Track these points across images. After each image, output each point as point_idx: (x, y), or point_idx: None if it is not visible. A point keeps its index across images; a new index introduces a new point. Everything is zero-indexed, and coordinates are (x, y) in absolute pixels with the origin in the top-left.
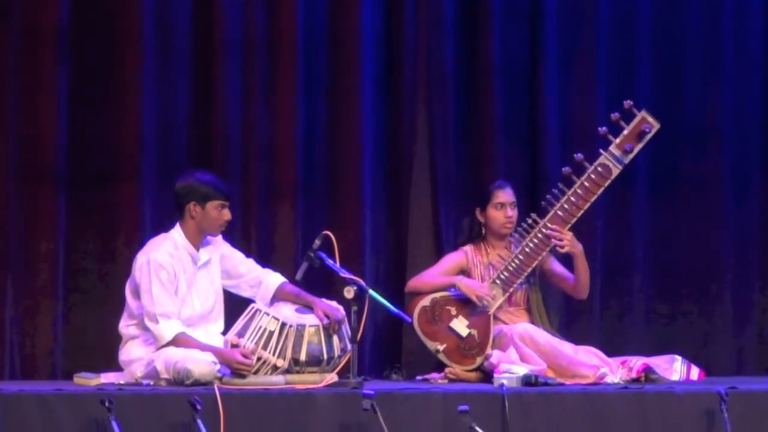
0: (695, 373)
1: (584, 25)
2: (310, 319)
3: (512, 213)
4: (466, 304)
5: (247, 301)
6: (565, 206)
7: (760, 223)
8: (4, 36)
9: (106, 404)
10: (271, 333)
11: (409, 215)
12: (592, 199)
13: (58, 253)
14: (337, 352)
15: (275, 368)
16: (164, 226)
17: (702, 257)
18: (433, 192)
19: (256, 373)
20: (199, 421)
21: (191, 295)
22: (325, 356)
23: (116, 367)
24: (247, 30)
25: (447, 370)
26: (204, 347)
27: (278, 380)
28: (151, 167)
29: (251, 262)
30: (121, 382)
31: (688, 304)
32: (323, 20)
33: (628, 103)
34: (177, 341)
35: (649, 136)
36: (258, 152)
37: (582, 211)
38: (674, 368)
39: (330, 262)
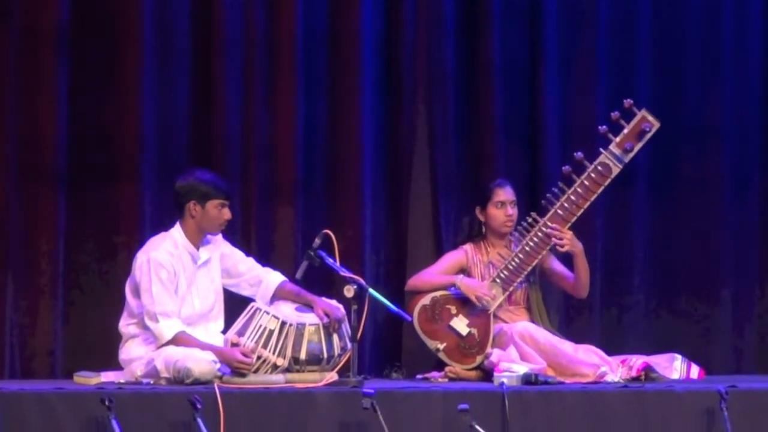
0: (695, 371)
1: (584, 25)
2: (310, 318)
3: (512, 211)
4: (466, 302)
5: (247, 300)
6: (566, 205)
7: (760, 223)
8: (4, 36)
9: (106, 403)
10: (271, 332)
11: (408, 214)
12: (592, 198)
13: (58, 253)
14: (337, 350)
15: (275, 367)
16: (164, 226)
17: (702, 257)
18: (433, 191)
19: (256, 371)
20: (199, 420)
21: (191, 294)
22: (325, 355)
23: (116, 366)
24: (247, 30)
25: (447, 368)
26: (204, 346)
27: (278, 379)
28: (151, 167)
29: (251, 260)
30: (121, 381)
31: (687, 304)
32: (323, 20)
33: (628, 102)
34: (177, 340)
35: (649, 135)
36: (258, 152)
37: (582, 210)
38: (674, 367)
39: (330, 261)
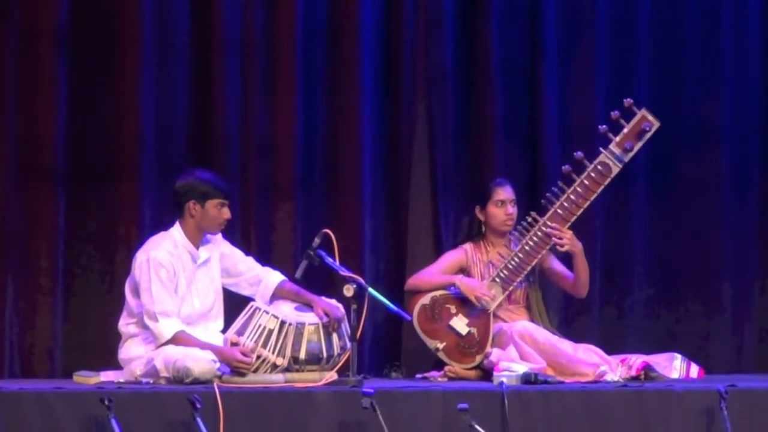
0: (695, 371)
1: (584, 25)
2: (309, 318)
3: (512, 210)
4: (465, 302)
5: (246, 300)
6: (565, 204)
7: (760, 223)
8: (4, 36)
9: (106, 403)
10: (271, 331)
11: (408, 214)
12: (592, 198)
13: (58, 253)
14: (336, 350)
15: (275, 366)
16: (164, 225)
17: (702, 257)
18: (433, 191)
19: (255, 371)
20: (199, 420)
21: (191, 294)
22: (325, 354)
23: (116, 365)
24: (246, 29)
25: (446, 368)
26: (203, 345)
27: (278, 378)
28: (150, 166)
29: (251, 260)
30: (121, 380)
31: (687, 303)
32: (323, 19)
33: (628, 102)
34: (176, 339)
35: (649, 135)
36: (257, 151)
37: (582, 210)
38: (674, 366)
39: (329, 260)
